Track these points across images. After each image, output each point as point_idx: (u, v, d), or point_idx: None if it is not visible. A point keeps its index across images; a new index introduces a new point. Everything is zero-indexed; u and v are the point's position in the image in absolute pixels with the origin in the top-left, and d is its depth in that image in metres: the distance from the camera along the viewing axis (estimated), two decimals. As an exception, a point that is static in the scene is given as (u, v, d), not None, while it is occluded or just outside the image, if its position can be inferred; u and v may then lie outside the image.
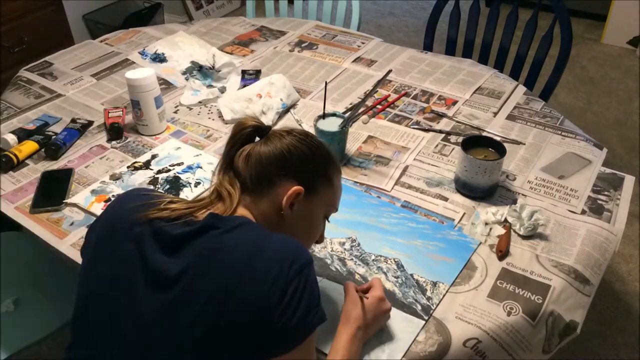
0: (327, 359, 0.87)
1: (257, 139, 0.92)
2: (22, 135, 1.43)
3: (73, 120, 1.49)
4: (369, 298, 0.94)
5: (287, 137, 0.90)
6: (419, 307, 0.99)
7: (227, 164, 0.91)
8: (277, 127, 1.46)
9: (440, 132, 1.44)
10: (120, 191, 1.26)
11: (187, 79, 1.68)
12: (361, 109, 1.37)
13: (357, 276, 1.05)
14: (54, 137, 1.42)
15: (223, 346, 0.75)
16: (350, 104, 1.55)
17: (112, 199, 1.23)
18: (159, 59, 1.80)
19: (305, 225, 0.92)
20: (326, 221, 0.97)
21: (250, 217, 0.88)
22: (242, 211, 0.88)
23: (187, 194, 1.25)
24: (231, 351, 0.75)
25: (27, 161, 1.38)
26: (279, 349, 0.76)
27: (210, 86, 1.65)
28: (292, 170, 0.88)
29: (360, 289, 0.96)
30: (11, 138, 1.40)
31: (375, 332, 0.94)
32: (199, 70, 1.68)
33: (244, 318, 0.74)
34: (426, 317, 0.97)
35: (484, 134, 1.41)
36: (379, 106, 1.55)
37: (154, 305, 0.78)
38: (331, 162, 0.93)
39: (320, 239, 0.97)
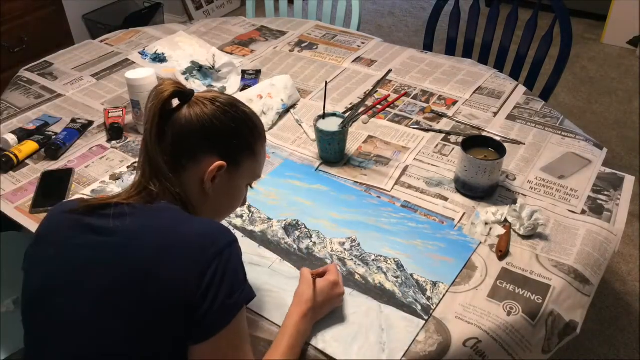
0: (276, 339, 0.89)
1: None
2: (22, 135, 1.43)
3: (73, 120, 1.49)
4: (323, 281, 0.96)
5: (209, 106, 0.86)
6: (419, 307, 0.99)
7: (152, 138, 0.85)
8: (276, 127, 1.47)
9: (440, 132, 1.44)
10: (120, 191, 1.26)
11: (187, 79, 1.68)
12: (361, 109, 1.38)
13: (357, 276, 1.05)
14: (54, 137, 1.42)
15: (145, 329, 0.76)
16: (350, 104, 1.55)
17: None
18: (159, 59, 1.80)
19: (228, 196, 0.93)
20: (249, 187, 0.98)
21: (170, 197, 0.85)
22: (162, 191, 0.85)
23: (187, 194, 1.25)
24: (154, 334, 0.76)
25: (27, 161, 1.38)
26: (205, 333, 0.76)
27: (210, 86, 1.65)
28: (215, 144, 0.87)
29: (315, 273, 0.98)
30: (11, 138, 1.40)
31: (326, 314, 0.96)
32: (199, 70, 1.68)
33: (164, 304, 0.75)
34: (426, 317, 0.97)
35: (484, 134, 1.41)
36: (379, 106, 1.55)
37: (78, 301, 0.79)
38: (256, 134, 0.92)
39: (243, 203, 0.98)
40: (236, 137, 0.88)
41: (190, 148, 0.86)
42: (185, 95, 0.87)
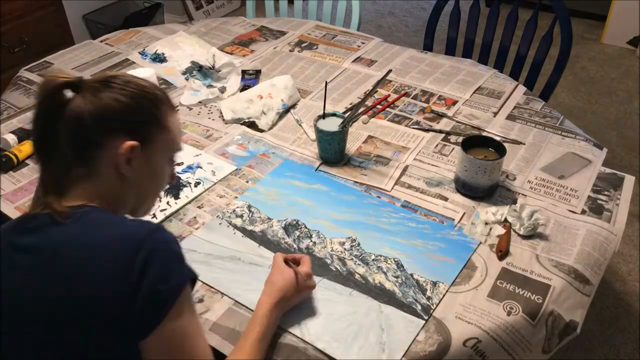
0: (247, 328, 0.89)
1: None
2: (22, 135, 1.43)
3: (73, 120, 1.49)
4: (296, 273, 0.96)
5: (105, 90, 0.82)
6: (419, 307, 0.99)
7: (47, 137, 0.81)
8: (276, 127, 1.47)
9: (440, 132, 1.44)
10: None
11: (187, 79, 1.68)
12: (361, 109, 1.38)
13: (357, 276, 1.05)
14: (54, 137, 1.42)
15: (85, 343, 0.74)
16: (350, 104, 1.55)
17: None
18: (159, 59, 1.80)
19: (151, 176, 0.89)
20: (173, 162, 0.93)
21: (86, 196, 0.82)
22: (75, 193, 0.82)
23: (187, 194, 1.25)
24: (96, 345, 0.74)
25: (27, 161, 1.38)
26: (148, 323, 0.73)
27: (210, 86, 1.65)
28: (119, 126, 0.82)
29: (289, 258, 0.98)
30: (11, 138, 1.40)
31: (295, 304, 0.97)
32: (199, 70, 1.68)
33: (98, 314, 0.73)
34: (426, 317, 0.97)
35: (484, 134, 1.41)
36: (379, 106, 1.55)
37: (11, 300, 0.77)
38: (161, 104, 0.87)
39: (171, 180, 0.94)
40: (139, 113, 0.84)
41: (93, 136, 0.81)
42: (74, 84, 0.83)
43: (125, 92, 0.83)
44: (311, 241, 1.13)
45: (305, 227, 1.16)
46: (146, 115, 0.85)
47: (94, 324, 0.73)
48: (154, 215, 1.19)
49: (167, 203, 1.22)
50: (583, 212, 1.18)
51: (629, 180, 1.27)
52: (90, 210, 0.81)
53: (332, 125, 1.30)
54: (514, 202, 1.20)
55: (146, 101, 0.85)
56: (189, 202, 1.23)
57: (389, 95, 1.59)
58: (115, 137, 0.82)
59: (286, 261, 0.99)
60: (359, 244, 1.12)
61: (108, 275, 0.73)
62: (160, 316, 0.74)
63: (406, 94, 1.60)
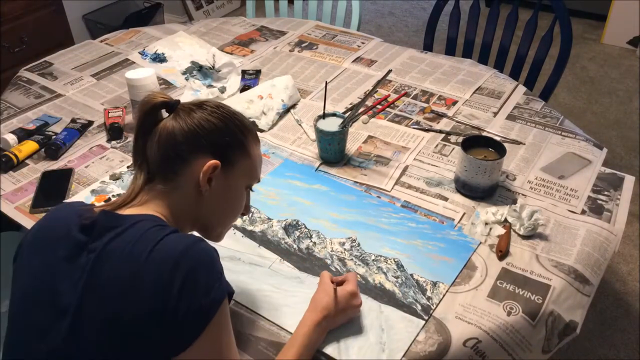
0: (287, 344, 0.88)
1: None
2: (22, 135, 1.43)
3: (73, 120, 1.49)
4: (341, 291, 0.94)
5: (197, 111, 0.86)
6: (419, 307, 0.99)
7: (141, 150, 0.86)
8: (276, 127, 1.47)
9: (440, 132, 1.44)
10: (120, 191, 1.26)
11: (187, 79, 1.68)
12: (361, 109, 1.38)
13: (357, 276, 1.05)
14: (54, 137, 1.42)
15: (120, 350, 0.74)
16: (350, 104, 1.55)
17: (112, 198, 1.24)
18: (159, 59, 1.80)
19: (226, 199, 0.91)
20: (250, 191, 0.96)
21: (159, 207, 0.84)
22: (150, 202, 0.85)
23: (187, 194, 1.25)
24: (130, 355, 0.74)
25: (27, 161, 1.38)
26: (187, 337, 0.74)
27: (210, 86, 1.65)
28: (206, 145, 0.85)
29: (335, 280, 0.97)
30: (11, 138, 1.40)
31: (341, 324, 0.94)
32: (199, 70, 1.68)
33: (138, 322, 0.73)
34: (426, 317, 0.97)
35: (484, 134, 1.41)
36: (379, 106, 1.55)
37: (60, 328, 0.77)
38: (247, 132, 0.91)
39: (246, 210, 0.96)
40: (227, 135, 0.87)
41: (180, 153, 0.85)
42: (170, 105, 0.87)
43: (217, 115, 0.87)
44: (311, 241, 1.13)
45: (305, 227, 1.16)
46: (232, 139, 0.88)
47: (132, 338, 0.73)
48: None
49: (167, 203, 1.22)
50: (583, 212, 1.18)
51: (629, 180, 1.27)
52: (153, 222, 0.81)
53: (332, 125, 1.30)
54: (514, 202, 1.20)
55: (234, 126, 0.89)
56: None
57: (389, 95, 1.59)
58: (201, 156, 0.85)
59: (332, 280, 0.97)
60: (359, 244, 1.12)
61: (149, 291, 0.73)
62: (199, 330, 0.74)
63: (406, 94, 1.60)
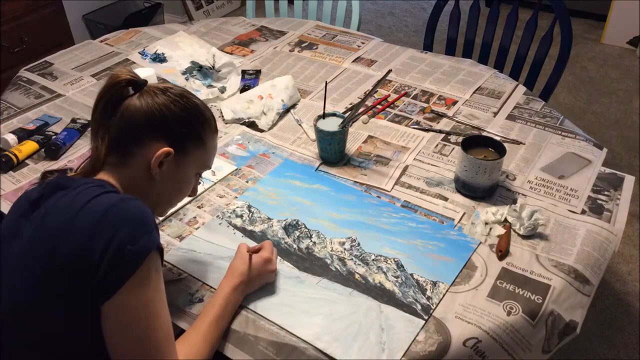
0: (205, 308, 0.92)
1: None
2: (22, 135, 1.43)
3: (73, 120, 1.49)
4: (256, 257, 0.99)
5: (161, 96, 0.90)
6: (419, 307, 0.99)
7: (100, 120, 0.90)
8: (276, 127, 1.47)
9: (440, 132, 1.44)
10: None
11: (187, 79, 1.68)
12: (361, 109, 1.38)
13: (357, 276, 1.05)
14: (54, 137, 1.42)
15: (55, 294, 0.79)
16: (350, 104, 1.55)
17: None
18: (159, 59, 1.80)
19: (174, 183, 0.95)
20: (199, 177, 1.00)
21: (110, 178, 0.89)
22: (103, 173, 0.89)
23: (187, 193, 1.25)
24: (64, 300, 0.78)
25: (27, 161, 1.38)
26: (113, 283, 0.77)
27: (210, 86, 1.65)
28: (164, 131, 0.89)
29: (250, 250, 1.01)
30: (11, 138, 1.40)
31: (256, 289, 1.00)
32: (199, 70, 1.68)
33: (69, 276, 0.77)
34: (426, 317, 0.97)
35: (484, 133, 1.41)
36: (379, 106, 1.55)
37: (9, 261, 0.84)
38: (206, 124, 0.94)
39: (192, 193, 1.01)
40: (185, 126, 0.91)
41: (137, 134, 0.88)
42: (138, 84, 0.90)
43: (179, 104, 0.91)
44: (311, 241, 1.13)
45: (305, 227, 1.16)
46: (190, 130, 0.92)
47: (65, 280, 0.78)
48: (154, 215, 1.19)
49: (167, 203, 1.22)
50: (583, 212, 1.18)
51: (629, 180, 1.27)
52: (93, 182, 0.86)
53: (332, 125, 1.30)
54: (514, 202, 1.20)
55: (194, 117, 0.92)
56: (189, 202, 1.23)
57: (389, 95, 1.59)
58: (157, 140, 0.89)
59: (248, 250, 1.02)
60: (358, 244, 1.12)
61: (82, 236, 0.77)
62: (123, 277, 0.77)
63: (406, 94, 1.60)
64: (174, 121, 0.90)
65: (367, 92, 1.53)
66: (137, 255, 0.78)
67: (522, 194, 1.23)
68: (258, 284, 1.00)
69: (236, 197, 1.24)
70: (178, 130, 0.90)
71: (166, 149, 0.88)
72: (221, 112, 1.52)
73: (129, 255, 0.77)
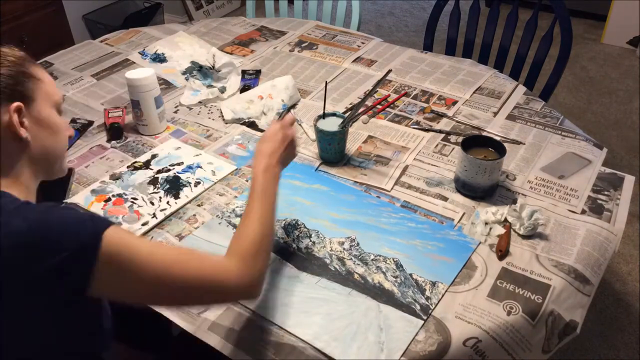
0: (246, 209, 0.93)
1: None
2: (22, 135, 1.43)
3: (73, 120, 1.49)
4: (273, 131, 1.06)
5: None
6: (418, 307, 0.98)
7: None
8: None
9: (440, 132, 1.44)
10: (120, 191, 1.26)
11: (187, 79, 1.68)
12: (361, 109, 1.37)
13: (356, 276, 1.05)
14: (53, 137, 1.42)
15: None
16: (350, 104, 1.55)
17: (112, 198, 1.24)
18: (159, 59, 1.80)
19: (46, 129, 0.90)
20: (61, 113, 0.95)
21: None
22: None
23: (187, 193, 1.25)
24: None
25: (27, 161, 1.38)
26: (80, 275, 0.74)
27: (210, 86, 1.65)
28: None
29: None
30: (11, 138, 1.40)
31: (283, 153, 1.05)
32: (199, 70, 1.68)
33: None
34: (425, 317, 0.97)
35: (484, 133, 1.41)
36: (379, 106, 1.55)
37: None
38: (24, 62, 0.89)
39: (69, 131, 0.97)
40: (10, 77, 0.85)
41: None
42: None
43: None
44: (310, 241, 1.13)
45: (305, 227, 1.16)
46: (16, 76, 0.86)
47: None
48: (154, 215, 1.19)
49: (167, 203, 1.22)
50: (583, 212, 1.18)
51: (629, 180, 1.27)
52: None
53: (332, 125, 1.30)
54: (514, 202, 1.20)
55: (11, 64, 0.87)
56: (189, 202, 1.23)
57: (389, 95, 1.59)
58: (1, 107, 0.83)
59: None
60: (358, 244, 1.12)
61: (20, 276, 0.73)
62: (90, 264, 0.74)
63: (406, 94, 1.60)
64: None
65: (367, 92, 1.53)
66: (90, 238, 0.75)
67: (522, 194, 1.23)
68: (283, 148, 1.05)
69: (236, 197, 1.24)
70: (7, 85, 0.84)
71: (13, 105, 0.83)
72: (221, 112, 1.52)
73: (82, 243, 0.74)
